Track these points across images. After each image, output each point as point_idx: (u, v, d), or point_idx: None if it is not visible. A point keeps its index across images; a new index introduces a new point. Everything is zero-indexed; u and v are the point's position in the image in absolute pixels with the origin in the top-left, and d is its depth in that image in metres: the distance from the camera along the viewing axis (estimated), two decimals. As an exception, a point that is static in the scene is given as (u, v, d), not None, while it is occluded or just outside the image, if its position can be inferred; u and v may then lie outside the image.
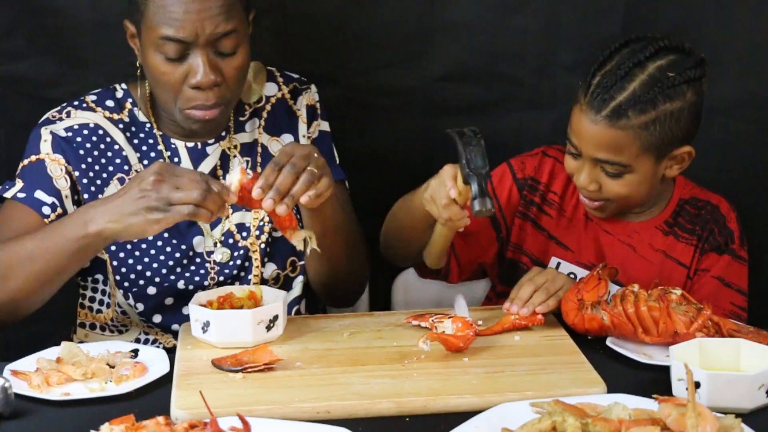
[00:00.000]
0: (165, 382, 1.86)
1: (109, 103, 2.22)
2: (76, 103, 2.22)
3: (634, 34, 2.17)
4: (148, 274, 2.17)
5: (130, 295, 2.18)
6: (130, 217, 1.89)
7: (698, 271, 2.26)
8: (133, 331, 2.24)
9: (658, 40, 2.12)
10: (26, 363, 1.92)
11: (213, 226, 2.22)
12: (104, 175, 2.18)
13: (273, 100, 2.30)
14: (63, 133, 2.16)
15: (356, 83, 2.56)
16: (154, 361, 1.93)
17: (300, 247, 1.99)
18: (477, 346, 1.97)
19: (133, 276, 2.17)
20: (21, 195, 2.12)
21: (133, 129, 2.22)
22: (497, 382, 1.84)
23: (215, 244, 2.21)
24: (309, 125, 2.30)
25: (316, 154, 1.97)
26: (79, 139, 2.17)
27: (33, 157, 2.16)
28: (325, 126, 2.33)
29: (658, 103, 2.07)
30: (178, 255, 2.19)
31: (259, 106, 2.28)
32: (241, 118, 2.27)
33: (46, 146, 2.16)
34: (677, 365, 1.77)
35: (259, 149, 2.27)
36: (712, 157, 2.61)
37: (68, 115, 2.19)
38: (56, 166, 2.15)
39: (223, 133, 2.25)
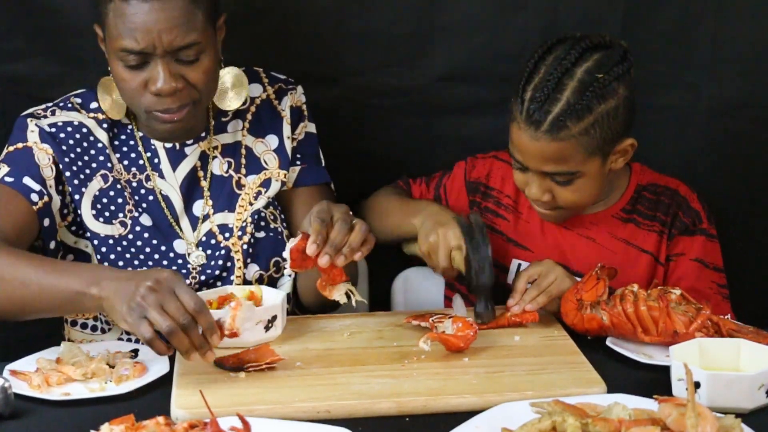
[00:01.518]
0: (165, 382, 1.86)
1: (93, 104, 2.22)
2: (61, 104, 2.22)
3: (555, 37, 2.17)
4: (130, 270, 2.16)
5: None
6: (117, 301, 1.82)
7: (672, 256, 2.25)
8: (115, 331, 2.22)
9: (579, 40, 2.12)
10: (26, 363, 1.92)
11: (194, 227, 2.21)
12: (87, 171, 2.18)
13: (258, 101, 2.29)
14: (47, 129, 2.16)
15: (356, 83, 2.55)
16: (153, 361, 1.93)
17: (343, 300, 1.98)
18: (477, 346, 1.97)
19: None
20: (9, 179, 2.11)
21: (116, 130, 2.22)
22: (497, 382, 1.84)
23: (196, 246, 2.21)
24: (294, 127, 2.29)
25: (351, 212, 1.98)
26: (62, 135, 2.17)
27: (20, 144, 2.16)
28: (311, 128, 2.33)
29: (593, 107, 2.07)
30: (157, 256, 2.18)
31: (244, 108, 2.27)
32: (224, 119, 2.27)
33: (33, 136, 2.16)
34: (677, 365, 1.77)
35: (243, 151, 2.26)
36: (711, 157, 2.61)
37: (53, 113, 2.20)
38: (44, 155, 2.15)
39: (203, 134, 2.24)
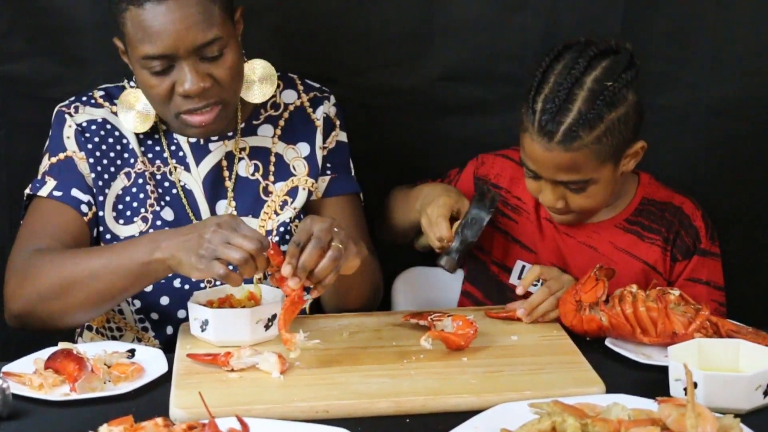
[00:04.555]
0: (163, 382, 1.86)
1: (117, 100, 2.20)
2: (84, 98, 2.21)
3: (561, 43, 2.17)
4: None
5: (129, 300, 2.18)
6: (185, 255, 1.88)
7: (675, 279, 2.26)
8: (126, 338, 2.21)
9: (586, 47, 2.12)
10: (21, 364, 1.91)
11: None
12: (112, 170, 2.17)
13: (291, 107, 2.27)
14: (77, 128, 2.16)
15: (356, 83, 2.55)
16: (150, 362, 1.92)
17: (295, 353, 1.90)
18: (476, 345, 1.97)
19: None
20: (57, 193, 2.12)
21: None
22: (496, 382, 1.84)
23: None
24: (326, 136, 2.28)
25: (336, 228, 1.93)
26: (87, 134, 2.16)
27: (61, 155, 2.15)
28: (343, 136, 2.31)
29: (604, 115, 2.07)
30: None
31: (276, 114, 2.26)
32: (255, 122, 2.25)
33: (71, 143, 2.16)
34: (675, 365, 1.77)
35: (273, 158, 2.25)
36: (711, 157, 2.61)
37: (76, 110, 2.18)
38: (84, 164, 2.15)
39: (230, 133, 2.23)
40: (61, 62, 2.49)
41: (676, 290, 2.01)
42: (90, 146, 2.16)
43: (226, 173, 2.23)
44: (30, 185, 2.16)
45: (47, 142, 2.20)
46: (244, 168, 2.23)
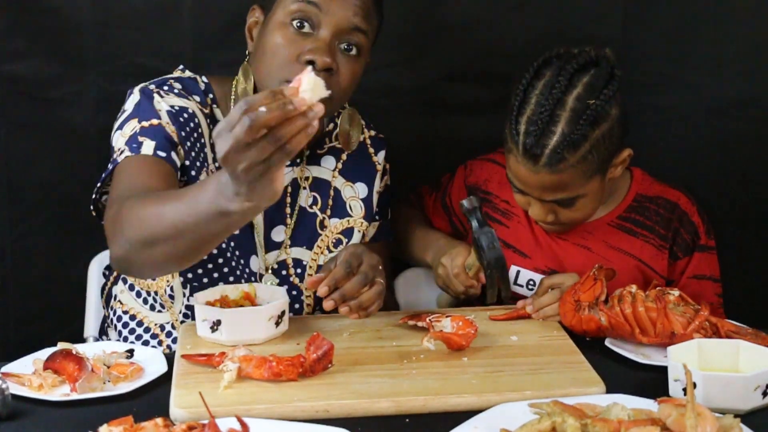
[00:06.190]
0: (162, 382, 1.86)
1: (196, 97, 2.13)
2: (165, 87, 2.11)
3: (546, 54, 2.15)
4: (206, 281, 2.13)
5: (185, 292, 2.15)
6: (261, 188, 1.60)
7: (677, 276, 2.26)
8: (162, 317, 2.18)
9: (566, 62, 2.09)
10: (20, 365, 1.91)
11: (268, 249, 2.18)
12: (198, 164, 2.09)
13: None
14: (170, 109, 2.06)
15: (356, 83, 2.56)
16: (150, 362, 1.92)
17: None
18: (476, 345, 1.97)
19: (196, 284, 2.13)
20: (162, 153, 1.99)
21: (212, 127, 2.14)
22: (496, 382, 1.84)
23: (267, 269, 2.18)
24: (381, 181, 2.30)
25: (381, 267, 1.98)
26: (182, 119, 2.07)
27: (154, 121, 2.03)
28: (388, 180, 2.34)
29: (588, 134, 2.06)
30: (237, 270, 2.14)
31: (340, 146, 2.24)
32: (319, 151, 2.24)
33: (164, 116, 2.04)
34: (674, 365, 1.77)
35: (332, 192, 2.24)
36: (711, 157, 2.61)
37: (166, 92, 2.08)
38: (174, 137, 2.04)
39: (298, 160, 2.20)
40: (61, 62, 2.49)
41: (676, 290, 2.01)
42: (183, 133, 2.06)
43: (289, 200, 2.20)
44: (124, 150, 1.99)
45: (129, 112, 2.06)
46: (305, 198, 2.21)
